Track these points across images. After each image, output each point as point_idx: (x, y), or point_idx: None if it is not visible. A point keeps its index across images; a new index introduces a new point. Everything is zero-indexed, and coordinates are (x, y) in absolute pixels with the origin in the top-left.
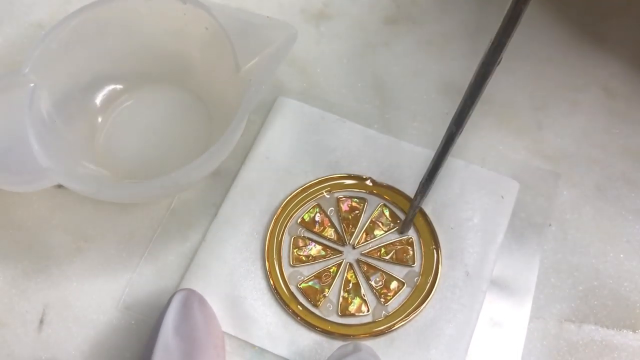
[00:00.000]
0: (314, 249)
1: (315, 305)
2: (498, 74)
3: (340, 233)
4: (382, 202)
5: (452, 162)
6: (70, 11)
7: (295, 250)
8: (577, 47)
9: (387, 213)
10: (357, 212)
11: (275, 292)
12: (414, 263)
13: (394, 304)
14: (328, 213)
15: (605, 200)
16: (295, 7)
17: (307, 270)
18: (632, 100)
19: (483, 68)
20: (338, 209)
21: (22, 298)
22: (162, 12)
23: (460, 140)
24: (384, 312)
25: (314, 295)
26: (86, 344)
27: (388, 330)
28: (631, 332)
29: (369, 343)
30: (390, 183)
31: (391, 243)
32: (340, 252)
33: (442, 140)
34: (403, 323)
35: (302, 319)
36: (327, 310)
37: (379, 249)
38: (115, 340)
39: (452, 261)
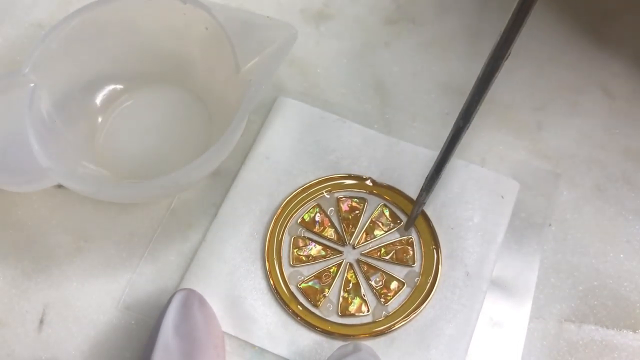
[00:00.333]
0: (314, 249)
1: (315, 305)
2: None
3: (341, 233)
4: (382, 202)
5: (452, 162)
6: (70, 11)
7: (295, 250)
8: (577, 47)
9: (387, 213)
10: (357, 212)
11: (275, 292)
12: (414, 263)
13: (394, 304)
14: (328, 213)
15: (605, 200)
16: (295, 7)
17: (307, 270)
18: (632, 101)
19: (491, 62)
20: (338, 209)
21: (22, 298)
22: (162, 12)
23: (460, 140)
24: (384, 312)
25: (314, 295)
26: (86, 344)
27: (388, 331)
28: (631, 332)
29: (369, 343)
30: (390, 183)
31: (391, 243)
32: (340, 252)
33: (449, 135)
34: (403, 323)
35: (302, 319)
36: (327, 310)
37: (379, 249)
38: (115, 340)
39: (452, 261)
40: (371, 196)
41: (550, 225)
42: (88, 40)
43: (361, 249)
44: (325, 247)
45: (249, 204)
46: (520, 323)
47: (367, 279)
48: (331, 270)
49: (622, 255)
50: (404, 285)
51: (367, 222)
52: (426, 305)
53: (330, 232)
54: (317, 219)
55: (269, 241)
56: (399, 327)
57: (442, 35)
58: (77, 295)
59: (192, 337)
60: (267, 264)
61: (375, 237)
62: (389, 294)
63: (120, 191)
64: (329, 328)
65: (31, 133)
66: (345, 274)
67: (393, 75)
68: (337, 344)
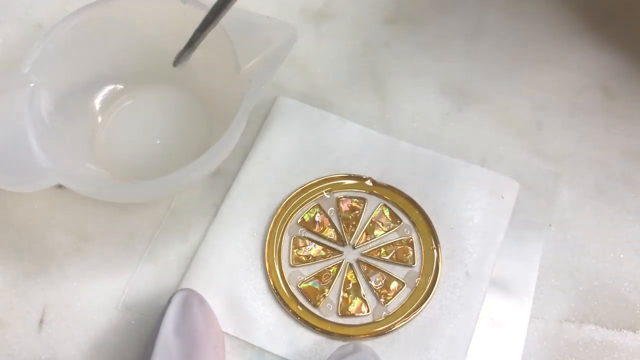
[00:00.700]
0: (314, 249)
1: (315, 306)
2: (498, 74)
3: (340, 233)
4: (382, 202)
5: (452, 162)
6: (70, 11)
7: (295, 251)
8: (577, 47)
9: (387, 213)
10: (357, 212)
11: (275, 292)
12: (414, 263)
13: (394, 304)
14: (328, 213)
15: (605, 201)
16: (295, 7)
17: (307, 271)
18: (632, 101)
19: None
20: (338, 209)
21: (22, 298)
22: (162, 12)
23: (460, 141)
24: (384, 312)
25: (314, 296)
26: (86, 344)
27: (388, 331)
28: (631, 333)
29: (369, 343)
30: (390, 183)
31: (391, 243)
32: (340, 252)
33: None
34: (403, 323)
35: (302, 319)
36: (327, 311)
37: (379, 249)
38: (115, 340)
39: (452, 261)
40: (371, 196)
41: (550, 225)
42: (88, 40)
43: (361, 249)
44: (325, 247)
45: (249, 204)
46: (520, 323)
47: (367, 279)
48: (331, 270)
49: (622, 256)
50: (403, 285)
51: (367, 222)
52: (426, 305)
53: (330, 232)
54: (317, 219)
55: (269, 241)
56: (399, 327)
57: (442, 35)
58: (77, 295)
59: (192, 337)
60: (267, 264)
61: (375, 237)
62: (388, 294)
63: (120, 191)
64: (329, 328)
65: (31, 133)
66: (345, 274)
67: (393, 75)
68: (337, 344)
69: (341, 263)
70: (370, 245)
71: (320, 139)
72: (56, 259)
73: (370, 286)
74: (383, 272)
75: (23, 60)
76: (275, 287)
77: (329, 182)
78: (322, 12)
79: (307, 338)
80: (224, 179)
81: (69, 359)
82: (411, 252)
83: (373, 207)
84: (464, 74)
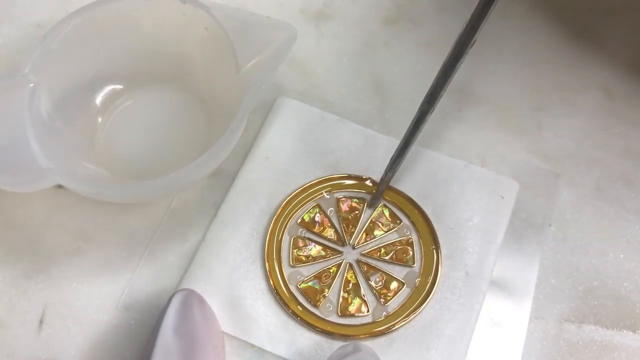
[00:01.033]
0: (314, 249)
1: (315, 306)
2: (498, 74)
3: (340, 233)
4: (382, 202)
5: (452, 162)
6: (70, 11)
7: (295, 251)
8: (576, 48)
9: (387, 213)
10: (357, 212)
11: (275, 292)
12: (413, 263)
13: (393, 304)
14: (328, 213)
15: (605, 201)
16: (295, 7)
17: (307, 271)
18: (632, 101)
19: (457, 49)
20: (338, 209)
21: (22, 298)
22: (162, 12)
23: (460, 141)
24: (384, 312)
25: (313, 296)
26: (86, 344)
27: (388, 331)
28: (631, 333)
29: (369, 343)
30: (390, 183)
31: (391, 243)
32: (340, 252)
33: (413, 118)
34: (403, 323)
35: (302, 319)
36: (327, 311)
37: (378, 249)
38: (115, 340)
39: (452, 261)
40: (371, 196)
41: (550, 225)
42: (88, 40)
43: (361, 249)
44: (325, 247)
45: (249, 204)
46: (520, 323)
47: (367, 279)
48: (331, 270)
49: (622, 255)
50: (403, 285)
51: (367, 222)
52: (426, 305)
53: (330, 233)
54: (317, 219)
55: (268, 241)
56: (398, 328)
57: (442, 35)
58: (77, 295)
59: (192, 337)
60: (266, 264)
61: (375, 237)
62: (388, 294)
63: (120, 191)
64: (329, 328)
65: (31, 133)
66: (345, 274)
67: (393, 75)
68: (337, 344)
69: (341, 263)
70: (370, 245)
71: (320, 139)
72: (56, 259)
73: (370, 286)
74: (383, 272)
75: (23, 60)
76: (275, 287)
77: (329, 182)
78: (322, 12)
79: (307, 338)
80: (224, 179)
81: (69, 359)
82: (411, 252)
83: (373, 207)
84: (464, 74)
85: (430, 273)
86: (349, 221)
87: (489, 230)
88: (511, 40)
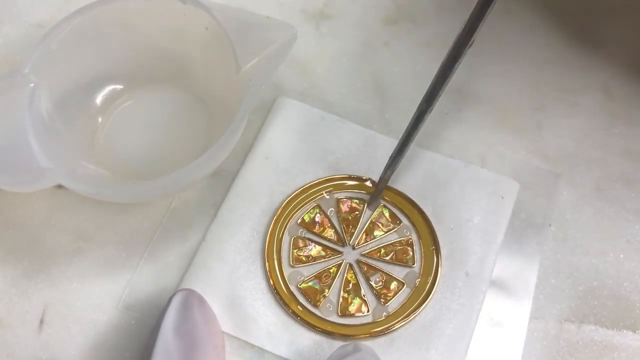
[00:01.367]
0: (314, 250)
1: (315, 306)
2: (498, 75)
3: (340, 234)
4: (381, 202)
5: (452, 163)
6: (70, 11)
7: (295, 251)
8: (576, 48)
9: (386, 214)
10: (357, 212)
11: (275, 292)
12: (413, 263)
13: (394, 304)
14: (328, 214)
15: (605, 201)
16: (295, 7)
17: (307, 271)
18: (632, 101)
19: (455, 49)
20: (338, 210)
21: (22, 298)
22: (162, 12)
23: (460, 141)
24: (384, 312)
25: (314, 296)
26: (86, 344)
27: (388, 331)
28: (631, 332)
29: (369, 343)
30: (390, 183)
31: (391, 244)
32: (340, 252)
33: (412, 118)
34: (403, 323)
35: (302, 319)
36: (327, 311)
37: (378, 250)
38: (115, 340)
39: (452, 262)
40: (370, 196)
41: (550, 225)
42: (88, 40)
43: (361, 249)
44: (325, 247)
45: (249, 204)
46: (520, 323)
47: (367, 279)
48: (331, 270)
49: (622, 255)
50: (403, 285)
51: (366, 222)
52: (426, 305)
53: (330, 233)
54: (317, 219)
55: (269, 241)
56: (398, 328)
57: (442, 35)
58: (77, 295)
59: (192, 337)
60: (267, 264)
61: (375, 237)
62: (388, 294)
63: (120, 191)
64: (329, 328)
65: (31, 133)
66: (345, 275)
67: (393, 75)
68: (337, 344)
69: (341, 263)
70: (370, 245)
71: (320, 139)
72: (56, 259)
73: (370, 286)
74: (383, 272)
75: (23, 60)
76: (275, 287)
77: (329, 183)
78: (322, 12)
79: (307, 338)
80: (224, 179)
81: (69, 359)
82: (411, 253)
83: (373, 207)
84: (464, 74)
85: (430, 273)
86: (349, 221)
87: (489, 231)
88: (511, 40)
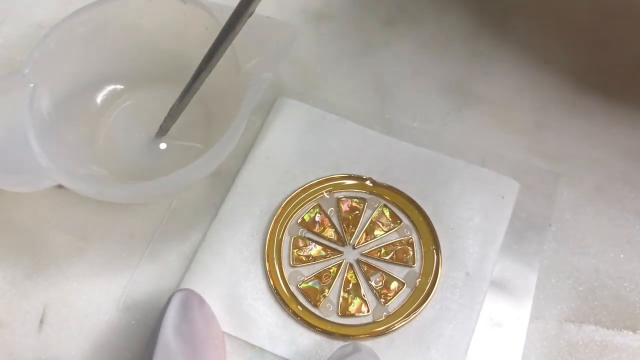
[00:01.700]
0: (314, 249)
1: (315, 306)
2: (498, 74)
3: (341, 233)
4: (382, 202)
5: (452, 162)
6: (70, 11)
7: (295, 251)
8: (577, 47)
9: (387, 213)
10: (357, 212)
11: (275, 292)
12: (414, 263)
13: (394, 304)
14: (328, 213)
15: (605, 201)
16: (295, 7)
17: (307, 271)
18: (633, 101)
19: (232, 19)
20: (338, 209)
21: (22, 298)
22: (162, 12)
23: (460, 140)
24: (384, 312)
25: (314, 296)
26: (86, 344)
27: (388, 331)
28: (631, 333)
29: (369, 343)
30: (390, 183)
31: (391, 243)
32: (341, 252)
33: (193, 74)
34: (403, 323)
35: (302, 319)
36: (327, 311)
37: (379, 249)
38: (115, 340)
39: (452, 261)
40: (371, 196)
41: (550, 225)
42: (88, 40)
43: (361, 249)
44: (325, 247)
45: (249, 204)
46: (520, 323)
47: (367, 279)
48: (331, 270)
49: (622, 256)
50: (404, 285)
51: (367, 222)
52: (426, 305)
53: (330, 233)
54: (317, 219)
55: (269, 241)
56: (399, 328)
57: (442, 35)
58: (77, 295)
59: (192, 337)
60: (267, 264)
61: (375, 237)
62: (389, 294)
63: (120, 191)
64: (329, 328)
65: (31, 133)
66: (345, 274)
67: (393, 75)
68: (337, 344)
69: (341, 263)
70: (370, 245)
71: (320, 139)
72: (56, 259)
73: (370, 286)
74: (383, 272)
75: (23, 60)
76: (275, 287)
77: (329, 182)
78: (322, 12)
79: (307, 338)
80: (224, 179)
81: (69, 359)
82: (411, 252)
83: (373, 207)
84: (464, 74)
85: (430, 273)
86: (349, 221)
87: (489, 231)
88: (511, 40)
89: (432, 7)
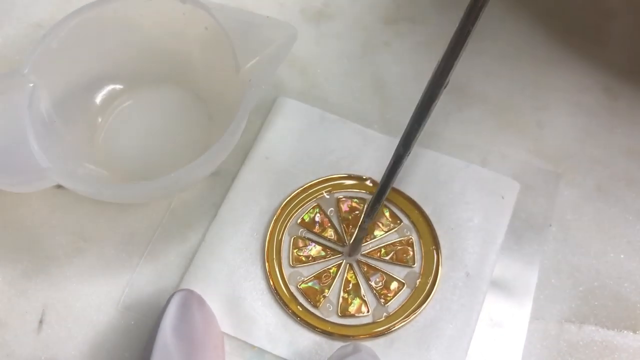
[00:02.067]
0: (314, 250)
1: (315, 306)
2: (499, 74)
3: (340, 233)
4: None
5: (452, 162)
6: (70, 11)
7: (295, 251)
8: (578, 47)
9: (387, 213)
10: (357, 212)
11: (275, 292)
12: (414, 264)
13: (394, 304)
14: (328, 213)
15: (605, 201)
16: (295, 7)
17: (307, 271)
18: (634, 100)
19: (430, 90)
20: (338, 210)
21: (22, 298)
22: (162, 12)
23: (460, 141)
24: (384, 312)
25: (313, 296)
26: (86, 344)
27: (388, 331)
28: (631, 333)
29: (369, 344)
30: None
31: (391, 243)
32: (340, 252)
33: (389, 163)
34: (403, 324)
35: (302, 319)
36: (327, 311)
37: (379, 250)
38: (115, 340)
39: (452, 262)
40: (371, 196)
41: (550, 225)
42: (88, 40)
43: (361, 249)
44: (325, 247)
45: (249, 204)
46: (520, 323)
47: (367, 279)
48: (331, 270)
49: (622, 256)
50: (404, 285)
51: None
52: (426, 305)
53: (330, 233)
54: (317, 219)
55: (268, 241)
56: (399, 328)
57: (442, 35)
58: (77, 295)
59: (191, 337)
60: (266, 264)
61: (375, 237)
62: (389, 295)
63: (120, 191)
64: (329, 328)
65: (31, 133)
66: (345, 275)
67: (393, 75)
68: (337, 344)
69: (341, 263)
70: (370, 245)
71: (320, 139)
72: (56, 259)
73: (370, 286)
74: (383, 272)
75: (23, 60)
76: (275, 287)
77: (329, 182)
78: (322, 12)
79: (307, 338)
80: (224, 179)
81: (69, 359)
82: (411, 253)
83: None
84: (464, 74)
85: (430, 273)
86: (349, 221)
87: (490, 231)
88: (512, 40)
89: (432, 7)
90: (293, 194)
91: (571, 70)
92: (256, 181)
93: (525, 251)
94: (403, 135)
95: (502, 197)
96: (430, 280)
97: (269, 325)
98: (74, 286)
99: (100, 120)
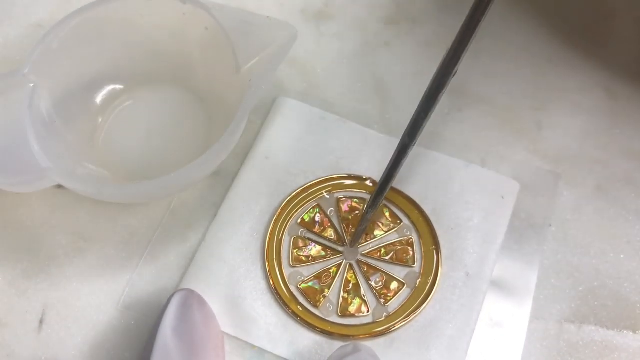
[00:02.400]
0: (314, 250)
1: (315, 306)
2: (499, 74)
3: (340, 233)
4: (382, 202)
5: (452, 162)
6: (70, 11)
7: (295, 251)
8: (578, 48)
9: (387, 213)
10: (357, 212)
11: (275, 292)
12: (414, 263)
13: (394, 304)
14: (328, 213)
15: (606, 201)
16: (295, 7)
17: (307, 271)
18: (634, 101)
19: (438, 80)
20: (338, 210)
21: (22, 298)
22: (162, 12)
23: (460, 141)
24: (384, 312)
25: (313, 296)
26: (86, 344)
27: (388, 331)
28: (631, 333)
29: (369, 344)
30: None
31: (391, 243)
32: (340, 252)
33: (394, 152)
34: (403, 324)
35: (302, 319)
36: (327, 311)
37: (379, 250)
38: (115, 340)
39: (452, 262)
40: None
41: (550, 225)
42: (88, 40)
43: (361, 249)
44: (325, 247)
45: (249, 204)
46: (520, 323)
47: (367, 279)
48: (331, 270)
49: (622, 256)
50: (404, 285)
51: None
52: (426, 305)
53: (330, 233)
54: (317, 219)
55: (268, 241)
56: (399, 328)
57: (442, 35)
58: (77, 295)
59: (192, 337)
60: (267, 264)
61: (375, 237)
62: (389, 295)
63: (120, 191)
64: (329, 328)
65: (31, 133)
66: (345, 275)
67: (393, 75)
68: (337, 344)
69: (341, 263)
70: (370, 245)
71: (320, 139)
72: (56, 259)
73: (370, 286)
74: (383, 272)
75: (23, 60)
76: (275, 287)
77: (329, 182)
78: (322, 12)
79: (307, 338)
80: (224, 179)
81: (69, 359)
82: (411, 253)
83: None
84: (464, 73)
85: (430, 273)
86: (349, 221)
87: (489, 231)
88: (512, 39)
89: (432, 7)
90: (293, 194)
91: (571, 71)
92: (256, 181)
93: (525, 251)
94: (409, 125)
95: (502, 197)
96: (430, 280)
97: (269, 325)
98: (74, 286)
99: (100, 120)
